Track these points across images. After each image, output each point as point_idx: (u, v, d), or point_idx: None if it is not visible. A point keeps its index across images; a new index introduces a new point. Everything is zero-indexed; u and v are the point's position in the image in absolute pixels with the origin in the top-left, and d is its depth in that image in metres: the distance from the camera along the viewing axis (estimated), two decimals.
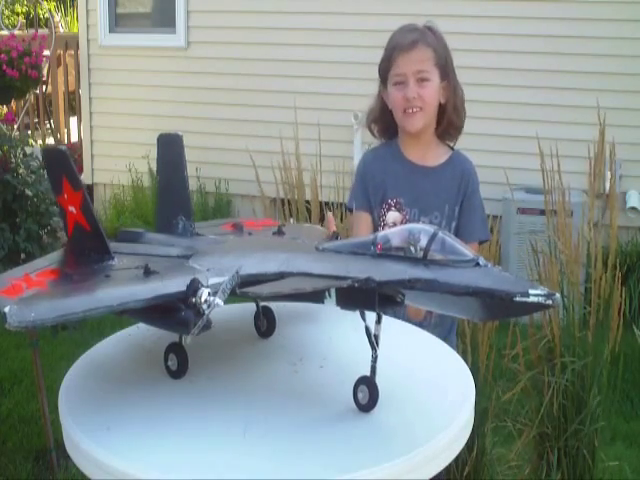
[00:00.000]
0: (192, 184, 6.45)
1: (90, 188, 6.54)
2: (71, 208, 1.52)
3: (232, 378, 1.49)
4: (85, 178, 6.53)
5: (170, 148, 1.67)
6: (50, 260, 1.54)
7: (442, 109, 2.21)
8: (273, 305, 1.70)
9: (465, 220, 2.19)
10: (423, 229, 1.24)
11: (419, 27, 2.22)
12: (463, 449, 1.41)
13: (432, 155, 2.24)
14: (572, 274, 2.62)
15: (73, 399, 1.42)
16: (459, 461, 2.54)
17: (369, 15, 5.44)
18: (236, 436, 1.29)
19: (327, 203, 3.55)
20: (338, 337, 1.41)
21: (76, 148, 6.99)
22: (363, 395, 1.32)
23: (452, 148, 2.29)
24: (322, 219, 3.63)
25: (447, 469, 2.28)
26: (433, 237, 1.22)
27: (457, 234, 2.08)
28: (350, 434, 1.30)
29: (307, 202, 3.54)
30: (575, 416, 2.60)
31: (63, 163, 1.51)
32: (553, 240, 2.67)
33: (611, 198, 2.69)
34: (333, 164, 3.94)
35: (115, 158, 6.19)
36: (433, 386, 1.50)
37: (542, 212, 3.03)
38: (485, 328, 2.62)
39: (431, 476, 1.28)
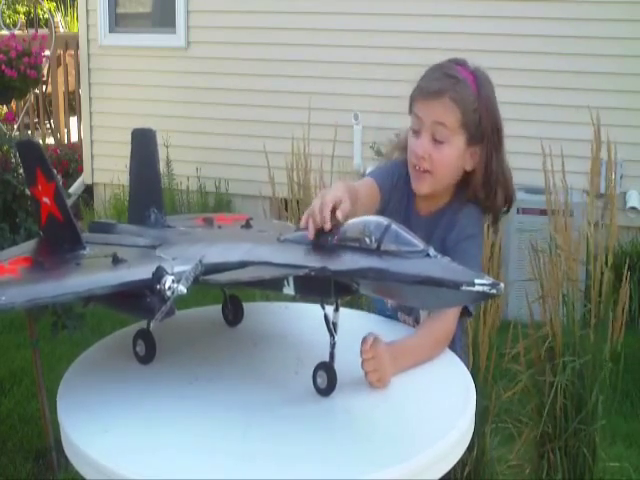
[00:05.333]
0: (192, 184, 6.46)
1: (90, 188, 6.53)
2: (45, 199, 1.57)
3: (232, 379, 1.49)
4: (85, 178, 6.53)
5: (144, 143, 1.74)
6: (24, 249, 1.60)
7: (469, 176, 1.84)
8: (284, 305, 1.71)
9: None
10: (377, 221, 1.30)
11: (459, 73, 1.82)
12: None
13: (435, 204, 1.89)
14: (571, 271, 2.62)
15: (71, 400, 1.42)
16: (459, 461, 2.53)
17: (370, 15, 5.43)
18: (235, 438, 1.28)
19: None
20: (338, 339, 1.41)
21: (76, 148, 6.99)
22: (322, 380, 1.39)
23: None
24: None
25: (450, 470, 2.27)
26: (386, 229, 1.28)
27: None
28: (352, 437, 1.30)
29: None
30: (575, 415, 2.60)
31: (37, 155, 1.56)
32: (553, 238, 2.67)
33: (611, 197, 2.69)
34: (335, 164, 3.94)
35: (115, 158, 6.18)
36: (434, 390, 1.50)
37: (542, 212, 3.03)
38: (486, 328, 2.62)
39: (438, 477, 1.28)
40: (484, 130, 1.81)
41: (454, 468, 2.50)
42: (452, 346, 1.84)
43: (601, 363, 2.63)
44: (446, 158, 1.79)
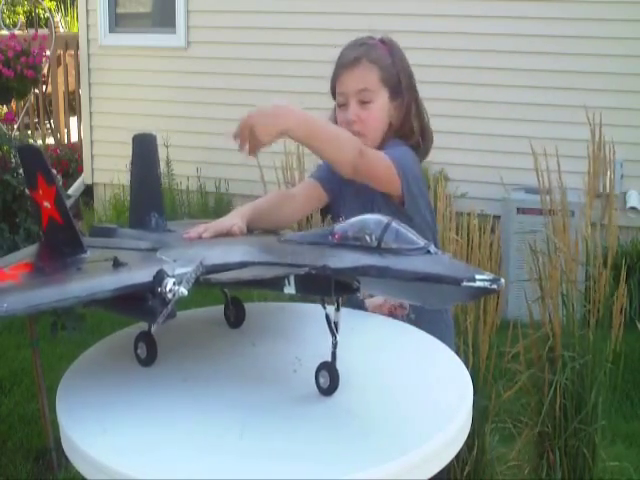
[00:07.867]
0: (192, 184, 6.46)
1: (90, 188, 6.54)
2: (45, 203, 1.57)
3: (230, 379, 1.49)
4: (85, 178, 6.53)
5: (144, 147, 1.74)
6: (24, 254, 1.60)
7: (393, 129, 2.01)
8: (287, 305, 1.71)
9: None
10: (377, 219, 1.31)
11: (369, 41, 2.01)
12: (463, 449, 1.41)
13: None
14: (570, 272, 2.63)
15: (71, 399, 1.42)
16: (459, 461, 2.54)
17: (370, 15, 5.43)
18: (234, 437, 1.29)
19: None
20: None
21: (76, 148, 6.99)
22: (324, 380, 1.39)
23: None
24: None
25: (448, 469, 2.27)
26: (387, 227, 1.29)
27: None
28: (348, 435, 1.30)
29: None
30: (575, 415, 2.60)
31: (38, 160, 1.57)
32: (552, 239, 2.68)
33: (610, 197, 2.70)
34: None
35: (115, 158, 6.19)
36: (431, 386, 1.50)
37: (542, 212, 3.04)
38: (486, 328, 2.62)
39: (430, 476, 1.29)
40: (402, 84, 1.98)
41: (454, 468, 2.52)
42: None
43: (601, 363, 2.63)
44: (374, 114, 1.96)
